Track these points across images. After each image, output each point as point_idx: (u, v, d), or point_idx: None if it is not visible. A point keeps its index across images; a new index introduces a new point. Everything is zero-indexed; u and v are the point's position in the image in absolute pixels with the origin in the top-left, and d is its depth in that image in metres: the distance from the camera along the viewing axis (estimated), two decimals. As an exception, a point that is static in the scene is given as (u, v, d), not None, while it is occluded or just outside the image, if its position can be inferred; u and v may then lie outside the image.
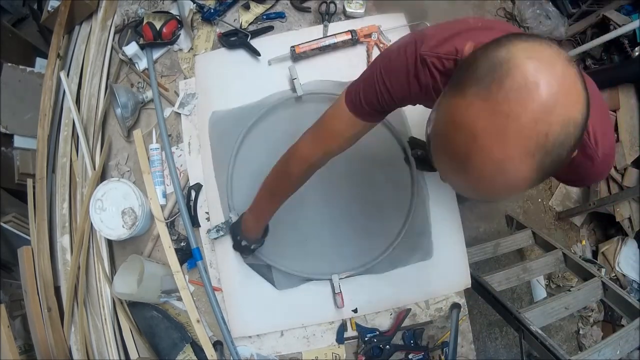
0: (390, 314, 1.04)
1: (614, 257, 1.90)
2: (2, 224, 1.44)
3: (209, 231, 1.03)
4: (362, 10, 1.17)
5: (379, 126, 1.08)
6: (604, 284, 1.30)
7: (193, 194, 1.08)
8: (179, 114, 1.14)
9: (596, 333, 1.89)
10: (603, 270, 1.80)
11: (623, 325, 1.61)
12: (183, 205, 1.05)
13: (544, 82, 0.38)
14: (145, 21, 1.16)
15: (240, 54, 1.16)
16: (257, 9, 1.19)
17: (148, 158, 1.11)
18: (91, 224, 1.04)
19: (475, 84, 0.41)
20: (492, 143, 0.39)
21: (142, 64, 1.19)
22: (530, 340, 1.19)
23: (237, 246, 0.97)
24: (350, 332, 1.02)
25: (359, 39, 1.13)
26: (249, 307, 1.03)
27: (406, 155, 1.07)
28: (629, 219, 1.89)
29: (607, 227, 2.04)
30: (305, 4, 1.20)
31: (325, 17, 1.17)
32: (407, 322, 1.02)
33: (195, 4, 1.18)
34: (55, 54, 1.22)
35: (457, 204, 1.07)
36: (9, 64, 1.66)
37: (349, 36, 1.12)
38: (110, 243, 1.11)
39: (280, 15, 1.19)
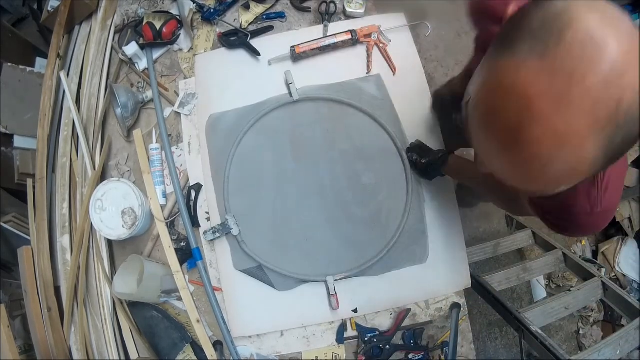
0: (390, 314, 1.04)
1: (614, 257, 1.91)
2: (2, 224, 1.44)
3: (205, 233, 1.03)
4: (362, 10, 1.17)
5: (375, 127, 1.09)
6: (604, 284, 1.30)
7: (193, 194, 1.08)
8: (179, 114, 1.14)
9: (596, 333, 1.89)
10: (603, 270, 1.80)
11: (623, 325, 1.61)
12: (183, 205, 1.05)
13: (612, 38, 0.31)
14: (145, 21, 1.16)
15: (240, 54, 1.16)
16: (257, 9, 1.19)
17: (148, 158, 1.11)
18: (91, 224, 1.04)
19: (528, 38, 0.34)
20: (552, 110, 0.32)
21: (142, 64, 1.19)
22: (530, 340, 1.19)
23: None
24: (350, 332, 1.02)
25: (359, 39, 1.13)
26: (249, 307, 1.03)
27: (402, 158, 1.07)
28: (629, 218, 1.89)
29: (607, 227, 2.03)
30: (305, 4, 1.20)
31: (325, 17, 1.17)
32: (407, 322, 1.02)
33: (195, 4, 1.18)
34: (55, 54, 1.22)
35: (457, 204, 1.07)
36: (9, 64, 1.66)
37: (349, 36, 1.12)
38: (110, 243, 1.11)
39: (280, 15, 1.19)
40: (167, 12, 1.20)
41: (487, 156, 0.40)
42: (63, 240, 1.11)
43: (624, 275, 1.89)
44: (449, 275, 1.04)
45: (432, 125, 1.10)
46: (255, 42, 1.15)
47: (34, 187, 1.17)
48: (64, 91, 1.20)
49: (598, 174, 0.38)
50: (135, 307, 1.06)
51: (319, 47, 1.11)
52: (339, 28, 1.15)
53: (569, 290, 1.31)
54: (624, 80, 0.31)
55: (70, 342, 1.06)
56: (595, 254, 2.01)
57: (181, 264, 1.04)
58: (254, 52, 1.14)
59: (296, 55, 1.12)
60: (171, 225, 1.08)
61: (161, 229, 1.05)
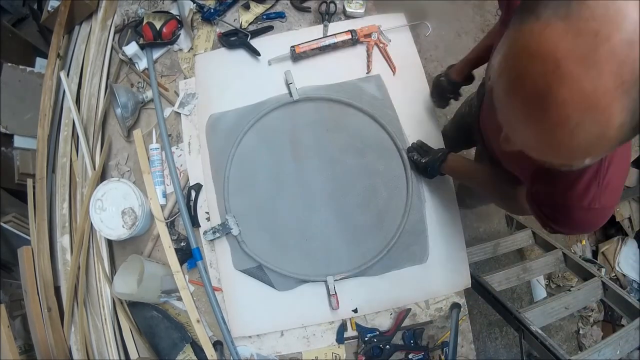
0: (390, 314, 1.04)
1: (614, 257, 1.91)
2: (2, 224, 1.44)
3: (205, 233, 1.03)
4: (362, 10, 1.17)
5: (375, 127, 1.09)
6: (604, 283, 1.30)
7: (193, 194, 1.08)
8: (179, 113, 1.14)
9: (596, 333, 1.89)
10: (603, 270, 1.80)
11: (623, 325, 1.61)
12: (183, 205, 1.05)
13: None
14: (145, 21, 1.16)
15: (240, 54, 1.16)
16: (257, 9, 1.19)
17: (148, 158, 1.11)
18: (91, 224, 1.04)
19: (551, 1, 0.35)
20: (579, 70, 0.33)
21: (142, 64, 1.19)
22: (530, 340, 1.19)
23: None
24: (350, 332, 1.02)
25: (359, 39, 1.13)
26: (249, 307, 1.03)
27: (402, 158, 1.07)
28: (629, 218, 1.89)
29: (607, 227, 2.04)
30: (305, 4, 1.20)
31: (325, 17, 1.17)
32: (407, 322, 1.02)
33: (195, 4, 1.18)
34: (55, 54, 1.22)
35: (457, 204, 1.07)
36: (9, 64, 1.66)
37: (349, 36, 1.12)
38: (110, 243, 1.11)
39: (280, 15, 1.19)
40: (167, 12, 1.20)
41: (513, 127, 0.40)
42: (63, 240, 1.11)
43: (624, 275, 1.89)
44: (449, 275, 1.04)
45: (432, 126, 1.10)
46: (255, 42, 1.15)
47: (34, 187, 1.17)
48: (64, 91, 1.20)
49: (600, 170, 0.38)
50: (135, 307, 1.06)
51: (319, 47, 1.11)
52: (339, 28, 1.15)
53: (569, 290, 1.31)
54: None
55: (70, 342, 1.06)
56: (595, 253, 2.01)
57: (181, 264, 1.04)
58: (254, 52, 1.14)
59: (296, 55, 1.12)
60: (171, 225, 1.08)
61: (161, 229, 1.05)
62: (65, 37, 1.28)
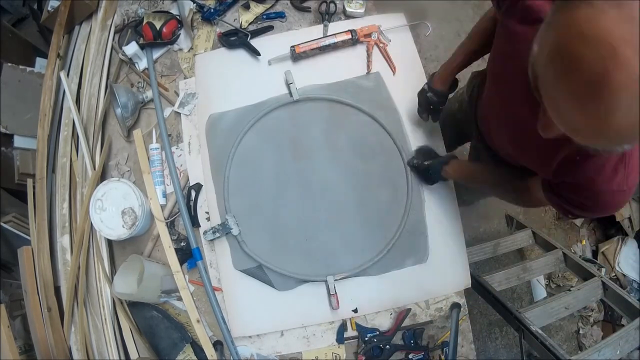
0: (391, 314, 1.04)
1: (614, 256, 1.91)
2: (2, 224, 1.44)
3: (205, 232, 1.03)
4: (362, 10, 1.17)
5: (376, 127, 1.09)
6: (604, 283, 1.30)
7: (193, 193, 1.08)
8: (179, 113, 1.14)
9: (596, 333, 1.89)
10: (603, 270, 1.80)
11: (623, 325, 1.61)
12: (183, 205, 1.05)
13: None
14: (145, 21, 1.16)
15: (240, 54, 1.16)
16: (257, 9, 1.19)
17: (148, 158, 1.11)
18: (91, 224, 1.04)
19: None
20: (635, 55, 0.34)
21: (142, 64, 1.19)
22: (530, 340, 1.19)
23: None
24: (351, 332, 1.02)
25: (359, 39, 1.13)
26: (249, 307, 1.03)
27: (402, 157, 1.07)
28: (629, 218, 1.89)
29: (607, 227, 2.05)
30: (305, 4, 1.20)
31: (325, 16, 1.17)
32: (407, 322, 1.02)
33: (195, 4, 1.18)
34: (55, 54, 1.22)
35: (457, 204, 1.07)
36: (9, 64, 1.66)
37: (349, 36, 1.12)
38: (110, 243, 1.11)
39: (280, 15, 1.19)
40: (167, 12, 1.20)
41: (561, 112, 0.41)
42: (63, 240, 1.11)
43: (624, 275, 1.89)
44: (449, 275, 1.04)
45: (432, 125, 1.10)
46: (255, 42, 1.15)
47: (34, 187, 1.17)
48: (64, 91, 1.20)
49: (625, 153, 0.39)
50: (135, 307, 1.06)
51: (319, 47, 1.11)
52: (339, 28, 1.15)
53: (569, 290, 1.31)
54: None
55: (70, 342, 1.06)
56: (595, 253, 2.01)
57: (181, 264, 1.04)
58: (254, 52, 1.14)
59: (296, 55, 1.12)
60: (171, 225, 1.08)
61: (161, 229, 1.05)
62: (65, 37, 1.28)
